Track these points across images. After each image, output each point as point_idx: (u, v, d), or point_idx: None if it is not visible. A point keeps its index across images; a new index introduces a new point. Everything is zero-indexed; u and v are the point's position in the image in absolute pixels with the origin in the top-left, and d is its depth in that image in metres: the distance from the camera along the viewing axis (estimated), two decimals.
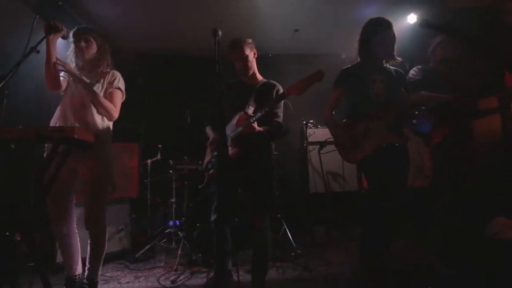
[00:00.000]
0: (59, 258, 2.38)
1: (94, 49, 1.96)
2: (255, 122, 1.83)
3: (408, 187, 3.01)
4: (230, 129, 1.97)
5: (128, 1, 3.22)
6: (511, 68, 1.51)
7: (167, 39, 4.09)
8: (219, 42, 1.49)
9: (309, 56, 4.60)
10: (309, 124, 3.77)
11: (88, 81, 1.89)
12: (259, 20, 3.63)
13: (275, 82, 2.07)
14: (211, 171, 2.06)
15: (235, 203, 2.30)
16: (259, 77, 2.11)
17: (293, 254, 2.78)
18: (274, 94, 1.98)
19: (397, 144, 1.83)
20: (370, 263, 1.86)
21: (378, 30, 1.86)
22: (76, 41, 1.90)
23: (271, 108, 1.86)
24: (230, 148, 1.93)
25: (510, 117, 3.02)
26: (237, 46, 1.97)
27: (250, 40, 2.03)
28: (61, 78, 1.91)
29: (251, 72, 2.05)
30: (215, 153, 2.04)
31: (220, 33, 1.49)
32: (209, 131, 2.15)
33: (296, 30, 3.96)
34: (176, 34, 3.96)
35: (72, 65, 1.95)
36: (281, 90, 2.00)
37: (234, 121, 1.96)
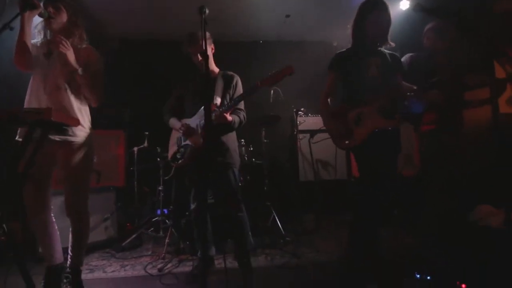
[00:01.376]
0: None
1: (63, 18, 1.81)
2: (227, 112, 1.90)
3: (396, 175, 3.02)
4: (199, 120, 2.01)
5: None
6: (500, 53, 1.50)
7: (153, 23, 3.94)
8: (206, 21, 1.42)
9: (300, 43, 4.54)
10: (300, 112, 3.73)
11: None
12: (251, 4, 3.53)
13: (233, 73, 2.15)
14: (179, 161, 2.07)
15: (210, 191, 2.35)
16: (216, 69, 2.18)
17: (282, 241, 2.78)
18: (234, 84, 2.09)
19: (390, 128, 1.81)
20: (362, 251, 1.86)
21: (373, 9, 1.81)
22: (45, 8, 1.74)
23: (244, 97, 1.92)
24: (200, 138, 1.98)
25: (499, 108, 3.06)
26: (195, 42, 2.00)
27: (208, 35, 2.00)
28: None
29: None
30: (185, 143, 2.07)
31: (207, 10, 1.42)
32: (175, 121, 2.14)
33: (288, 16, 3.88)
34: (162, 18, 3.81)
35: (40, 37, 1.83)
36: (239, 81, 2.14)
37: (202, 112, 1.98)
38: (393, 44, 1.89)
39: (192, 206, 2.15)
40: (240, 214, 2.03)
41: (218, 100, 2.01)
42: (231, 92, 2.07)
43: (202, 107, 1.98)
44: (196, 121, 2.02)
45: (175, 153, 2.11)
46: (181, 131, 2.05)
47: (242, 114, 2.07)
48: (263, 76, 1.81)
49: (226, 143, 2.04)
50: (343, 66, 1.90)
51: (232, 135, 2.13)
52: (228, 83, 2.09)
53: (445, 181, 2.23)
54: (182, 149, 2.07)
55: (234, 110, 2.02)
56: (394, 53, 1.94)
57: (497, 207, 2.64)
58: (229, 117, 1.90)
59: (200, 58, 1.99)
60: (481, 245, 2.09)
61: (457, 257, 2.07)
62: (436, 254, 2.16)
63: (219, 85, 2.07)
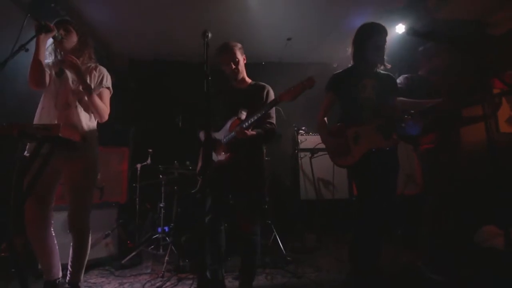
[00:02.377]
0: None
1: (74, 38, 1.91)
2: (248, 129, 1.84)
3: (398, 194, 3.02)
4: (224, 134, 1.97)
5: (121, 6, 3.24)
6: (498, 73, 1.55)
7: (160, 44, 4.12)
8: (208, 44, 1.49)
9: (301, 65, 4.67)
10: (301, 131, 3.79)
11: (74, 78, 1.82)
12: (253, 29, 3.68)
13: (264, 84, 2.09)
14: None
15: (226, 207, 2.27)
16: (248, 80, 2.13)
17: (283, 260, 2.74)
18: (264, 95, 2.01)
19: (387, 148, 1.84)
20: (361, 269, 1.85)
21: (374, 33, 1.89)
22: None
23: (264, 113, 1.87)
24: (223, 153, 1.94)
25: (494, 126, 3.10)
26: (230, 50, 2.01)
27: (240, 45, 2.07)
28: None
29: (241, 76, 2.08)
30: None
31: (209, 34, 1.50)
32: (202, 135, 2.12)
33: (289, 39, 4.03)
34: (168, 40, 3.99)
35: (51, 58, 1.92)
36: (271, 91, 2.05)
37: (227, 126, 1.97)
38: (389, 66, 1.95)
39: (207, 218, 1.98)
40: (254, 237, 1.94)
41: (243, 115, 1.94)
42: (262, 102, 1.96)
43: (228, 122, 1.96)
44: (222, 134, 1.98)
45: (201, 167, 2.07)
46: None
47: (268, 126, 1.97)
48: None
49: (247, 161, 1.95)
50: (340, 87, 1.96)
51: (259, 153, 2.03)
52: (258, 94, 2.01)
53: (444, 200, 2.22)
54: None
55: (263, 123, 1.94)
56: (390, 74, 2.00)
57: (501, 228, 2.61)
58: (249, 132, 1.83)
59: (233, 66, 2.00)
60: (484, 265, 2.06)
61: (452, 274, 2.05)
62: (431, 271, 2.14)
63: (248, 96, 2.01)
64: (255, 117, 1.83)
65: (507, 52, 3.03)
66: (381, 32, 1.89)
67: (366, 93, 1.89)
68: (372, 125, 1.83)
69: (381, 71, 1.98)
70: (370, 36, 1.89)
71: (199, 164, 2.12)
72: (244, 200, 1.95)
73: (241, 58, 2.05)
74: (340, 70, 2.02)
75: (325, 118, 2.04)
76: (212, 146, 2.00)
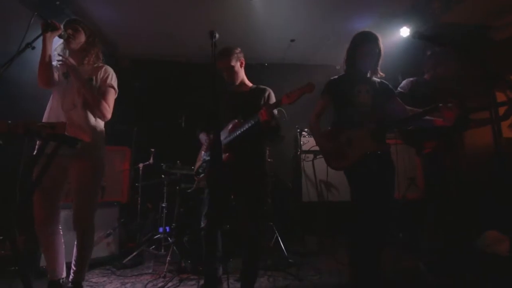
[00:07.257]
0: (43, 262, 2.31)
1: (82, 38, 1.91)
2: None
3: (399, 198, 3.01)
4: (224, 136, 1.97)
5: (126, 6, 3.25)
6: (498, 79, 1.55)
7: (164, 45, 4.12)
8: (216, 44, 1.50)
9: (304, 66, 4.67)
10: (304, 132, 3.79)
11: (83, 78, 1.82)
12: (257, 29, 3.68)
13: (265, 87, 2.06)
14: (201, 175, 2.05)
15: (227, 209, 2.26)
16: (249, 83, 2.12)
17: (284, 262, 2.74)
18: (266, 98, 1.98)
19: (379, 152, 1.86)
20: (360, 272, 1.85)
21: (364, 42, 1.91)
22: (65, 30, 1.83)
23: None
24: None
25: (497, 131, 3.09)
26: (224, 56, 1.98)
27: (237, 50, 2.03)
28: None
29: (239, 81, 2.05)
30: (207, 158, 2.05)
31: (217, 35, 1.50)
32: (202, 136, 2.15)
33: (292, 40, 4.03)
34: (173, 40, 3.99)
35: (59, 58, 1.91)
36: (272, 93, 2.03)
37: (228, 128, 1.97)
38: (382, 74, 1.97)
39: (203, 224, 2.00)
40: (257, 237, 1.93)
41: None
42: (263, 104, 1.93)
43: (228, 125, 1.96)
44: (222, 136, 1.93)
45: (198, 167, 2.11)
46: (204, 146, 2.07)
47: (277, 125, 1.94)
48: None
49: (250, 162, 1.95)
50: (336, 91, 1.98)
51: (260, 153, 2.04)
52: (257, 98, 1.99)
53: (447, 204, 2.22)
54: (204, 164, 2.06)
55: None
56: (383, 81, 2.02)
57: (504, 233, 2.60)
58: (270, 115, 1.75)
59: (227, 73, 1.98)
60: (487, 271, 2.05)
61: (454, 278, 2.04)
62: (432, 275, 2.13)
63: (249, 100, 1.99)
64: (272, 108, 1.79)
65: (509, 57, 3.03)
66: (371, 40, 1.90)
67: (361, 98, 1.91)
68: (365, 130, 1.85)
69: (374, 78, 2.00)
70: (361, 44, 1.91)
71: (197, 164, 2.14)
72: (246, 199, 1.94)
73: (236, 64, 2.01)
74: (336, 76, 2.05)
75: (318, 119, 2.04)
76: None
